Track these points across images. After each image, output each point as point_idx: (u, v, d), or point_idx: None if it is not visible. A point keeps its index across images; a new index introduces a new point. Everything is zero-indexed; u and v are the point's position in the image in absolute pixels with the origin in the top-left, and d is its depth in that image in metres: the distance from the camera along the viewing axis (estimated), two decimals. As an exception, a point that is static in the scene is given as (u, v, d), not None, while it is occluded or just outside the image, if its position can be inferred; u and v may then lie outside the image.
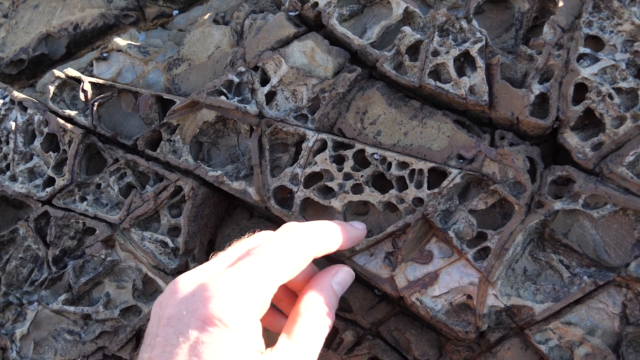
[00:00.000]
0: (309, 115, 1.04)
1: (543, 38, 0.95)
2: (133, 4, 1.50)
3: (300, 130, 1.04)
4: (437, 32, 1.00)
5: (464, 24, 0.99)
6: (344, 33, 1.06)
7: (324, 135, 1.02)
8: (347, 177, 1.00)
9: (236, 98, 1.08)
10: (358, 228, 0.93)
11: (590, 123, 0.94)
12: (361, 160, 1.02)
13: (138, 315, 1.12)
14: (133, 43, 1.34)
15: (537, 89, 0.94)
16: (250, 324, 0.65)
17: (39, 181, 1.23)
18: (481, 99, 0.95)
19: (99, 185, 1.19)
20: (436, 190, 0.95)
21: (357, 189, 1.00)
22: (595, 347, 0.87)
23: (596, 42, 0.94)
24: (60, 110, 1.24)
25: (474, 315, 0.91)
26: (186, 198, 1.10)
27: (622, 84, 0.89)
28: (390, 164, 0.98)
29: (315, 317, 0.77)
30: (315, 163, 1.02)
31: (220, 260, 0.74)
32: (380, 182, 1.01)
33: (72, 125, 1.21)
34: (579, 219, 0.92)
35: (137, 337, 1.15)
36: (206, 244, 1.16)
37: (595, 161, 0.90)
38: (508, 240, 0.90)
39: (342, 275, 0.87)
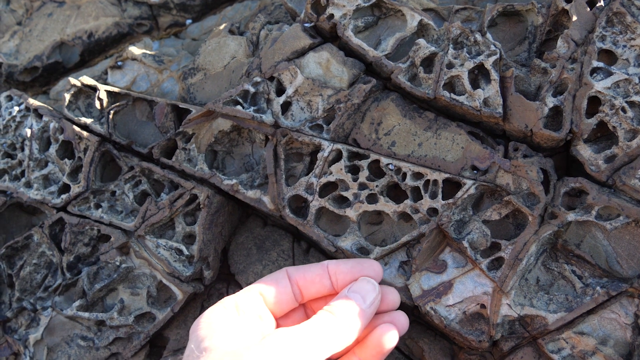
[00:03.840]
0: (324, 126, 1.06)
1: (557, 52, 0.96)
2: (147, 12, 1.52)
3: (315, 140, 1.05)
4: (451, 45, 1.02)
5: (478, 36, 1.01)
6: (359, 44, 1.07)
7: (339, 146, 1.04)
8: (362, 187, 1.02)
9: (252, 108, 1.10)
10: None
11: (603, 136, 0.95)
12: (376, 171, 1.03)
13: (152, 321, 1.13)
14: (147, 52, 1.35)
15: (550, 101, 0.95)
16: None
17: (53, 188, 1.25)
18: (495, 111, 0.97)
19: (114, 193, 1.21)
20: (450, 200, 0.96)
21: (372, 198, 1.02)
22: (607, 356, 0.88)
23: (609, 56, 0.95)
24: (75, 118, 1.26)
25: (488, 325, 0.92)
26: (201, 206, 1.12)
27: (635, 98, 0.91)
28: (405, 174, 1.00)
29: (316, 320, 0.77)
30: (331, 173, 1.03)
31: None
32: (395, 192, 1.03)
33: (87, 133, 1.22)
34: (591, 230, 0.93)
35: (151, 344, 1.16)
36: (220, 252, 1.17)
37: (608, 173, 0.92)
38: (522, 250, 0.91)
39: (357, 284, 0.84)
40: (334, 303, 0.80)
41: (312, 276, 0.85)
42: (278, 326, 0.83)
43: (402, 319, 0.88)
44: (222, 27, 1.28)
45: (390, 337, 0.83)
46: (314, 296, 0.87)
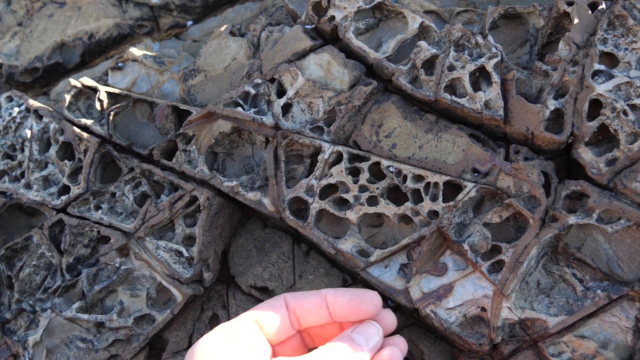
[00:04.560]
0: (324, 128, 1.06)
1: (558, 54, 0.96)
2: (147, 14, 1.52)
3: (316, 142, 1.05)
4: (452, 47, 1.01)
5: (479, 39, 1.00)
6: (360, 46, 1.07)
7: (339, 148, 1.04)
8: (363, 189, 1.02)
9: (252, 109, 1.10)
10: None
11: (604, 139, 0.95)
12: (376, 173, 1.03)
13: (151, 323, 1.12)
14: (148, 53, 1.35)
15: (552, 104, 0.95)
16: None
17: (53, 189, 1.24)
18: (496, 113, 0.97)
19: (113, 194, 1.20)
20: (451, 203, 0.96)
21: (372, 201, 1.01)
22: (608, 360, 0.88)
23: (611, 59, 0.95)
24: (75, 119, 1.25)
25: (488, 328, 0.92)
26: (201, 208, 1.11)
27: (637, 101, 0.91)
28: (405, 176, 1.00)
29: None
30: (331, 175, 1.03)
31: None
32: (395, 195, 1.02)
33: (87, 134, 1.22)
34: (592, 233, 0.93)
35: (150, 346, 1.16)
36: (220, 254, 1.17)
37: (610, 176, 0.91)
38: (522, 253, 0.91)
39: (362, 327, 0.82)
40: (337, 341, 0.79)
41: (310, 306, 0.84)
42: (274, 354, 0.83)
43: (402, 344, 0.87)
44: (222, 28, 1.27)
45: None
46: (311, 325, 0.85)
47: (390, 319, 0.87)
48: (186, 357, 0.75)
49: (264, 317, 0.81)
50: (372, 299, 0.86)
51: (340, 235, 1.03)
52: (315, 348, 0.85)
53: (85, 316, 1.14)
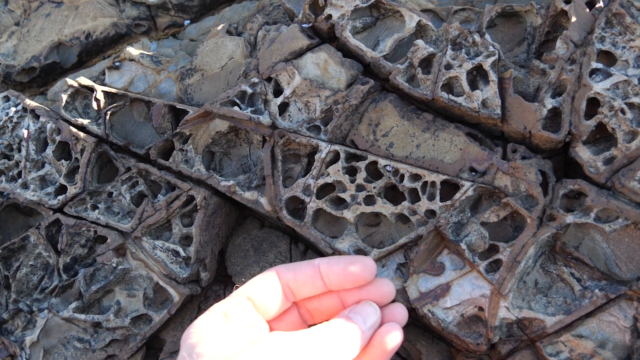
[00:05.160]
0: (321, 127, 1.05)
1: (556, 53, 0.96)
2: (145, 13, 1.52)
3: (313, 141, 1.04)
4: (450, 46, 1.01)
5: (476, 37, 1.00)
6: (357, 45, 1.07)
7: (336, 147, 1.03)
8: (360, 188, 1.01)
9: (249, 109, 1.09)
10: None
11: (602, 137, 0.95)
12: (373, 172, 1.02)
13: (148, 323, 1.12)
14: (145, 52, 1.35)
15: (549, 103, 0.94)
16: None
17: (50, 189, 1.24)
18: (494, 112, 0.96)
19: (110, 194, 1.20)
20: (448, 202, 0.95)
21: (369, 200, 1.01)
22: (606, 360, 0.88)
23: (608, 58, 0.95)
24: (72, 119, 1.25)
25: (486, 327, 0.92)
26: (198, 207, 1.11)
27: (635, 99, 0.90)
28: (402, 175, 0.99)
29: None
30: (328, 174, 1.03)
31: None
32: (393, 194, 1.02)
33: (84, 134, 1.22)
34: (590, 232, 0.92)
35: (147, 346, 1.16)
36: (217, 253, 1.17)
37: (607, 175, 0.91)
38: (520, 252, 0.91)
39: (359, 307, 0.80)
40: (334, 320, 0.78)
41: (304, 277, 0.82)
42: (271, 329, 0.82)
43: (401, 311, 0.86)
44: (219, 27, 1.27)
45: (394, 336, 0.81)
46: (306, 296, 0.83)
47: (387, 286, 0.85)
48: (182, 340, 0.74)
49: (256, 294, 0.79)
50: (366, 264, 0.84)
51: (337, 235, 1.03)
52: (315, 325, 0.85)
53: (82, 316, 1.14)
